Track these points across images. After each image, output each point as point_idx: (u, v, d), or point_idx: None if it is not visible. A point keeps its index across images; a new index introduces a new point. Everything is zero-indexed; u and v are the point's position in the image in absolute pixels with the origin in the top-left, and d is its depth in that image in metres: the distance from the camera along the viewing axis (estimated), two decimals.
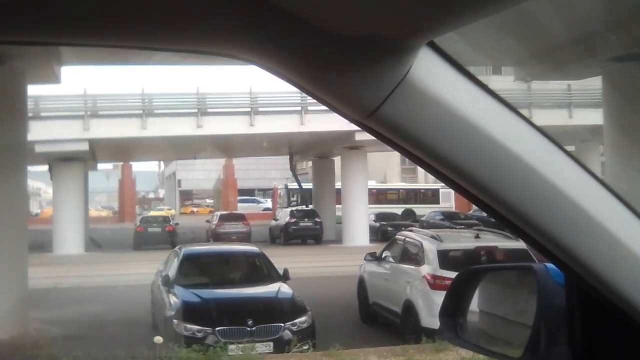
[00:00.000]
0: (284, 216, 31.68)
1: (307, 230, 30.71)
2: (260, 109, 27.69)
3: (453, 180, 1.10)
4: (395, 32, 0.93)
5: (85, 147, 25.62)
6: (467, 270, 1.63)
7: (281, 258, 25.26)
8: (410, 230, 12.75)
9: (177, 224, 32.32)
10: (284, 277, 11.26)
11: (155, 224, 29.73)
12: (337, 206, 32.31)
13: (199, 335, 9.45)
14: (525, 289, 1.42)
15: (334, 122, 27.13)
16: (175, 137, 25.99)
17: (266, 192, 56.09)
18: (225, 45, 0.99)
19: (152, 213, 43.23)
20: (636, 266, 1.14)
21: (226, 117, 27.01)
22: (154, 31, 0.95)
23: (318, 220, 30.83)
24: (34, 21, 0.92)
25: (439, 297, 10.07)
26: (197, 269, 11.40)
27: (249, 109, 27.27)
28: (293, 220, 30.62)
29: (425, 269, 10.60)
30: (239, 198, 48.77)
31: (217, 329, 9.44)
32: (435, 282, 10.20)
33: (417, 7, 0.89)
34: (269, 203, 49.97)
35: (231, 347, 9.38)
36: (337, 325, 13.07)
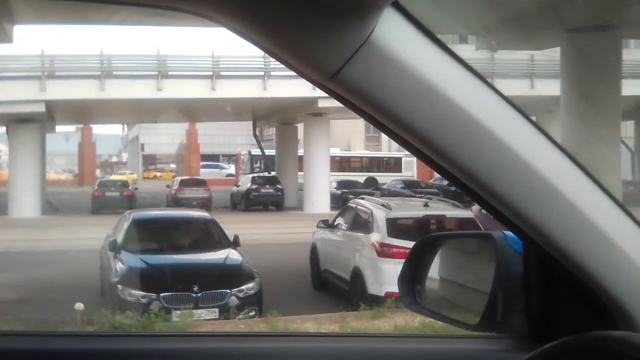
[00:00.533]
0: (245, 182, 31.48)
1: (268, 196, 30.58)
2: (222, 73, 27.27)
3: (414, 146, 1.09)
4: None
5: (41, 108, 25.01)
6: (426, 237, 1.62)
7: (240, 224, 25.21)
8: (362, 198, 12.74)
9: (136, 188, 31.93)
10: (234, 244, 11.18)
11: (114, 188, 29.30)
12: (299, 173, 32.22)
13: (143, 301, 9.36)
14: (486, 256, 1.41)
15: (297, 88, 26.92)
16: (134, 99, 25.55)
17: (231, 157, 55.67)
18: (185, 1, 0.97)
19: (113, 177, 42.75)
20: (594, 235, 1.14)
21: (187, 80, 26.58)
22: None
23: (279, 187, 30.72)
24: None
25: (386, 264, 10.19)
26: (146, 234, 11.26)
27: (211, 73, 26.86)
28: (254, 186, 30.45)
29: (374, 237, 10.62)
30: (202, 163, 48.36)
31: (162, 294, 9.36)
32: (382, 250, 10.23)
33: None
34: (232, 169, 49.68)
35: (175, 313, 9.32)
36: (289, 292, 13.09)
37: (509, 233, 1.29)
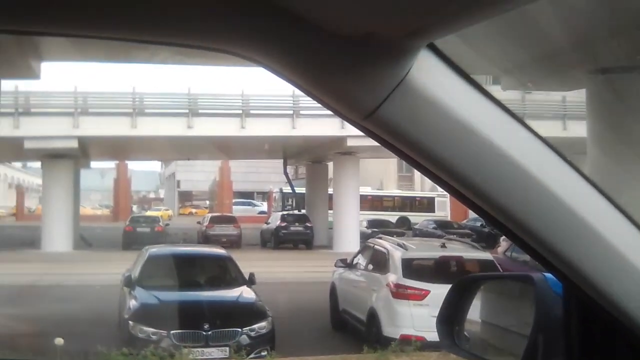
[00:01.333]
0: (275, 220, 31.53)
1: (298, 234, 30.53)
2: (251, 112, 27.55)
3: (450, 185, 1.09)
4: (395, 33, 0.92)
5: (74, 144, 25.51)
6: (465, 278, 1.64)
7: (267, 262, 25.32)
8: (380, 238, 12.59)
9: (167, 224, 32.20)
10: (250, 282, 11.11)
11: (145, 224, 29.61)
12: (330, 211, 32.15)
13: (154, 337, 9.31)
14: (527, 299, 1.40)
15: (326, 127, 27.10)
16: (165, 137, 25.89)
17: (265, 195, 55.97)
18: (225, 42, 0.98)
19: (149, 213, 43.27)
20: (634, 277, 1.12)
21: (217, 118, 26.90)
22: (155, 25, 0.94)
23: (309, 224, 30.66)
24: (16, 9, 0.89)
25: (401, 306, 10.02)
26: (161, 270, 11.25)
27: (241, 111, 27.15)
28: (284, 224, 30.44)
29: (390, 277, 10.45)
30: (234, 200, 48.60)
31: (172, 332, 9.31)
32: (397, 291, 10.05)
33: (417, 8, 0.88)
34: (265, 207, 49.83)
35: (185, 351, 9.24)
36: (308, 332, 12.94)
37: (549, 275, 1.27)
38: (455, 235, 29.99)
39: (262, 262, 24.94)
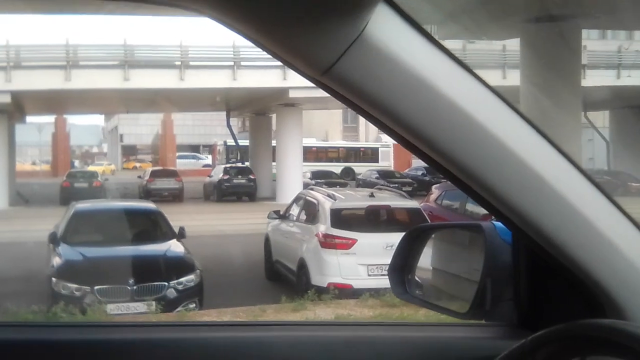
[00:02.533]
0: (217, 173, 31.29)
1: (241, 187, 30.37)
2: (191, 63, 26.94)
3: (407, 139, 1.11)
4: None
5: (7, 99, 24.61)
6: (416, 227, 1.64)
7: (208, 215, 25.24)
8: (312, 189, 12.59)
9: (106, 179, 31.67)
10: (180, 235, 11.00)
11: (82, 179, 29.01)
12: (273, 163, 32.04)
13: (77, 294, 9.21)
14: (477, 247, 1.43)
15: (267, 78, 26.77)
16: (100, 89, 25.16)
17: (210, 148, 55.43)
18: None
19: (91, 168, 42.42)
20: (583, 225, 1.15)
21: (155, 70, 26.20)
22: None
23: (252, 177, 30.51)
24: None
25: (329, 255, 10.08)
26: (87, 226, 11.07)
27: (179, 63, 26.53)
28: (227, 177, 30.22)
29: (318, 228, 10.49)
30: (178, 154, 48.05)
31: (96, 287, 9.20)
32: (325, 241, 10.12)
33: None
34: (210, 160, 49.40)
35: (110, 306, 9.15)
36: (241, 283, 13.00)
37: (499, 224, 1.31)
38: (397, 185, 30.70)
39: (203, 215, 24.86)
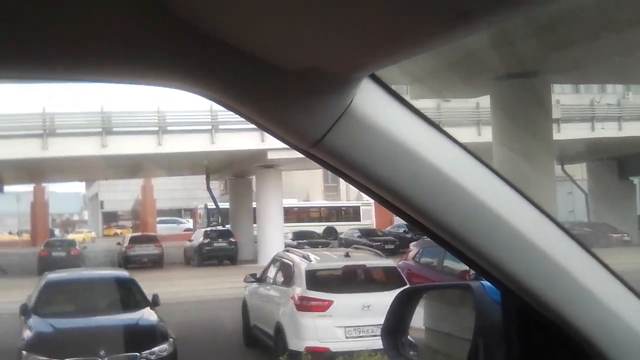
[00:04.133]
0: (198, 237, 31.04)
1: (222, 250, 30.12)
2: (169, 128, 27.04)
3: (394, 204, 1.15)
4: (337, 66, 0.95)
5: None
6: (407, 289, 1.68)
7: (188, 280, 24.89)
8: (287, 250, 12.47)
9: (85, 247, 31.28)
10: (153, 303, 10.79)
11: (60, 248, 28.67)
12: (255, 225, 31.86)
13: None
14: (468, 306, 1.45)
15: (246, 140, 26.88)
16: (78, 157, 25.09)
17: (192, 212, 55.09)
18: (169, 77, 0.98)
19: (71, 236, 41.94)
20: (568, 283, 1.18)
21: (132, 136, 26.25)
22: (89, 64, 0.94)
23: (233, 240, 30.30)
24: None
25: (305, 318, 9.90)
26: (58, 296, 10.82)
27: (157, 128, 26.61)
28: (207, 240, 29.99)
29: (294, 290, 10.34)
30: (159, 219, 47.69)
31: None
32: (301, 304, 9.95)
33: (359, 43, 0.89)
34: (191, 223, 49.11)
35: None
36: (219, 350, 12.75)
37: (487, 283, 1.33)
38: (379, 242, 30.59)
39: (182, 281, 24.52)
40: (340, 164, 1.09)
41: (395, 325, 1.60)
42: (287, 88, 0.98)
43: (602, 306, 1.20)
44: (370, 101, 1.05)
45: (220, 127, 27.42)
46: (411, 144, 1.08)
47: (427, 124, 1.12)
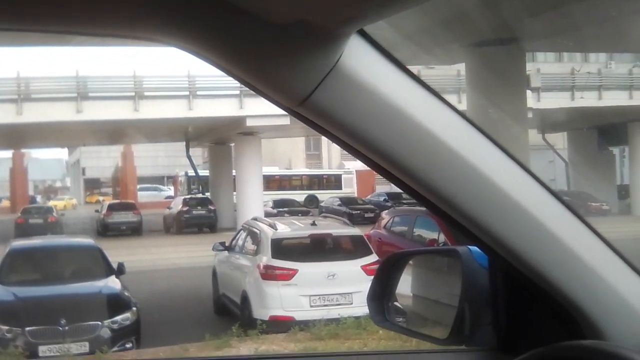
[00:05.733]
0: (177, 204, 30.92)
1: (201, 218, 30.01)
2: (145, 94, 26.67)
3: (382, 167, 1.12)
4: (325, 20, 0.93)
5: None
6: (393, 254, 1.66)
7: (166, 248, 24.82)
8: (255, 219, 12.40)
9: (62, 214, 31.13)
10: (119, 272, 10.70)
11: (37, 215, 28.53)
12: (235, 193, 31.75)
13: (9, 335, 8.90)
14: (456, 273, 1.42)
15: (224, 107, 26.62)
16: (53, 122, 24.73)
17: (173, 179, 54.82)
18: (150, 29, 0.97)
19: (52, 202, 41.69)
20: (556, 246, 1.17)
21: (108, 101, 25.88)
22: (73, 14, 0.92)
23: (212, 207, 30.19)
24: None
25: (270, 287, 9.87)
26: (22, 265, 10.73)
27: (133, 93, 26.22)
28: (186, 208, 29.86)
29: (260, 259, 10.29)
30: (140, 186, 47.43)
31: (27, 329, 8.87)
32: (266, 272, 9.92)
33: None
34: (172, 191, 48.95)
35: (42, 348, 8.83)
36: (188, 318, 12.69)
37: (475, 248, 1.32)
38: (359, 211, 30.63)
39: (160, 249, 24.45)
40: (328, 123, 1.06)
41: (381, 291, 1.58)
42: (273, 42, 0.96)
43: (589, 270, 1.19)
44: (359, 58, 1.02)
45: (198, 93, 27.13)
46: (401, 103, 1.06)
47: (418, 83, 1.09)
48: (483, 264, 1.36)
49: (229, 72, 1.03)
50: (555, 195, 1.20)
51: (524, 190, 1.17)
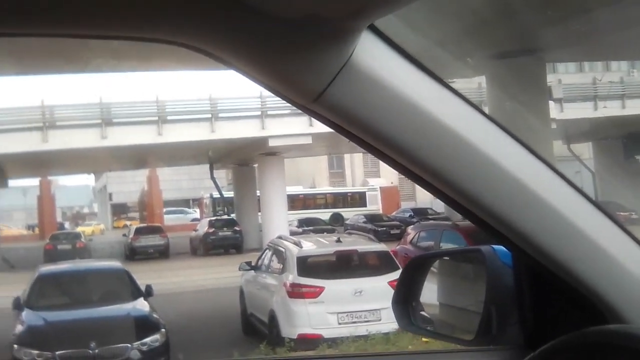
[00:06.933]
0: (203, 226, 31.07)
1: (227, 239, 30.12)
2: (168, 118, 26.97)
3: (399, 163, 1.10)
4: (334, 13, 0.92)
5: None
6: (416, 258, 1.67)
7: (192, 270, 24.93)
8: (280, 237, 12.42)
9: (90, 239, 31.41)
10: (147, 294, 10.78)
11: (65, 241, 28.78)
12: (259, 213, 31.83)
13: None
14: (482, 280, 1.42)
15: (245, 129, 26.81)
16: (78, 149, 25.05)
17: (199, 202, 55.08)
18: (160, 30, 0.96)
19: (80, 228, 42.08)
20: (581, 240, 1.16)
21: (132, 126, 26.17)
22: (81, 17, 0.91)
23: (237, 228, 30.30)
24: None
25: (297, 305, 9.86)
26: (52, 289, 10.87)
27: (156, 118, 26.51)
28: (212, 230, 30.00)
29: (286, 277, 10.29)
30: (166, 209, 47.72)
31: (58, 353, 8.95)
32: (293, 290, 9.92)
33: None
34: (198, 213, 49.16)
35: None
36: (217, 339, 12.70)
37: (498, 247, 1.32)
38: (385, 228, 30.52)
39: (187, 271, 24.57)
40: (342, 119, 1.06)
41: (406, 294, 1.57)
42: (284, 38, 0.95)
43: (614, 262, 1.19)
44: (371, 53, 1.02)
45: (220, 115, 27.34)
46: (415, 97, 1.05)
47: (432, 77, 1.08)
48: (507, 263, 1.35)
49: (243, 72, 1.03)
50: (577, 188, 1.19)
51: (546, 185, 1.16)
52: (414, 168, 1.11)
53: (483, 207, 1.13)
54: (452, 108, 1.09)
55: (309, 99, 1.02)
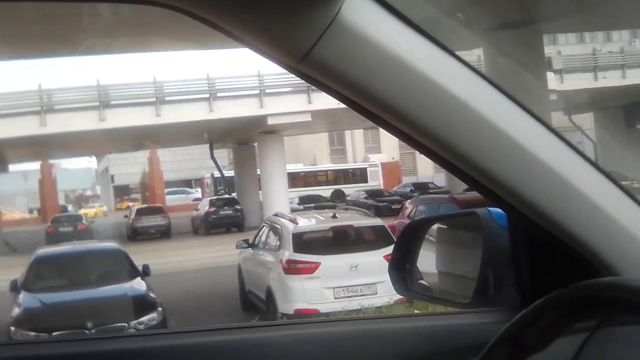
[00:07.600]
0: (204, 206, 31.14)
1: (228, 218, 30.18)
2: (166, 99, 26.87)
3: (389, 123, 1.08)
4: None
5: None
6: (411, 223, 1.65)
7: (193, 249, 25.01)
8: (276, 214, 12.41)
9: (92, 221, 31.49)
10: (144, 274, 10.79)
11: (67, 223, 28.87)
12: (260, 192, 31.87)
13: None
14: (479, 247, 1.41)
15: (244, 107, 26.76)
16: (76, 132, 25.00)
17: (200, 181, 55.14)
18: None
19: (82, 211, 42.22)
20: (577, 198, 1.15)
21: (130, 108, 26.10)
22: None
23: (238, 207, 30.35)
24: None
25: (293, 281, 9.88)
26: (48, 271, 10.90)
27: (154, 99, 26.43)
28: (213, 209, 30.07)
29: (282, 254, 10.30)
30: (168, 190, 47.83)
31: (54, 334, 8.95)
32: (289, 267, 9.94)
33: None
34: (199, 193, 49.23)
35: None
36: (217, 316, 12.76)
37: (493, 209, 1.32)
38: (386, 203, 30.53)
39: (188, 250, 24.64)
40: (330, 79, 1.02)
41: (402, 259, 1.56)
42: None
43: (610, 220, 1.17)
44: (359, 10, 0.98)
45: (219, 94, 27.28)
46: (406, 56, 1.01)
47: (423, 36, 1.04)
48: (502, 225, 1.34)
49: (227, 32, 0.99)
50: (573, 146, 1.17)
51: (541, 143, 1.13)
52: (405, 127, 1.08)
53: (479, 168, 1.11)
54: (446, 67, 1.06)
55: (295, 59, 0.99)
